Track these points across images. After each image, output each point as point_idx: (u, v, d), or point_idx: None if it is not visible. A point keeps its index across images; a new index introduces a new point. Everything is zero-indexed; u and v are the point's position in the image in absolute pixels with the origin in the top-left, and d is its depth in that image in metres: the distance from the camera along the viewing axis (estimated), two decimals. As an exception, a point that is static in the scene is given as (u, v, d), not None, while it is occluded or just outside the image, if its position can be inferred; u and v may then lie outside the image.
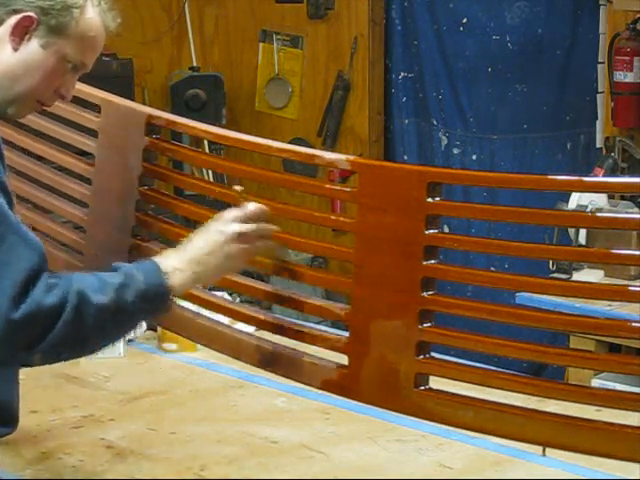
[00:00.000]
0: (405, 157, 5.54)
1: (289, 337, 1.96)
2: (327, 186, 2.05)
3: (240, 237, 1.85)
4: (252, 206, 1.89)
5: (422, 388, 1.79)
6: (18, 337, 1.66)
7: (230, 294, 2.62)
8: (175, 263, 1.81)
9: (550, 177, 1.68)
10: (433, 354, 1.80)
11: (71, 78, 1.88)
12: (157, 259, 1.82)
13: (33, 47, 1.82)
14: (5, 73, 1.82)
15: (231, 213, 1.87)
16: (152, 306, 1.79)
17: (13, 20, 1.81)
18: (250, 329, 2.08)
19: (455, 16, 5.27)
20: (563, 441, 1.66)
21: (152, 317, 1.84)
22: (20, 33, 1.81)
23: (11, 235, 1.70)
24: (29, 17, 1.80)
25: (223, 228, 1.85)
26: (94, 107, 2.23)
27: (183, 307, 2.13)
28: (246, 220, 1.87)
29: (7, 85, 1.83)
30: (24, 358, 1.72)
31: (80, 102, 2.26)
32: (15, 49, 1.82)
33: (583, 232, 3.84)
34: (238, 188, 1.93)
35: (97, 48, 1.89)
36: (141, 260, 1.84)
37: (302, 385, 2.00)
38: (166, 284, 1.79)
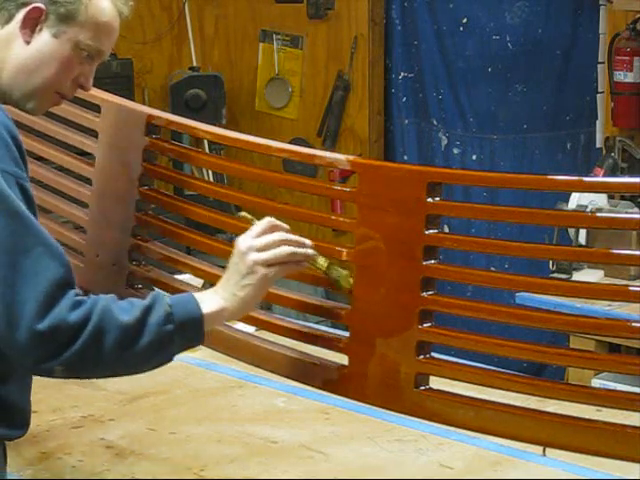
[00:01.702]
0: (405, 157, 5.53)
1: (289, 337, 1.96)
2: (327, 186, 2.05)
3: (261, 261, 1.78)
4: (260, 226, 1.81)
5: (422, 388, 1.79)
6: (40, 348, 1.65)
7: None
8: (210, 294, 1.78)
9: (550, 177, 1.68)
10: (433, 354, 1.80)
11: (89, 66, 1.87)
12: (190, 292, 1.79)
13: (45, 38, 1.81)
14: (20, 67, 1.81)
15: (245, 242, 1.79)
16: (181, 331, 1.72)
17: (22, 13, 1.80)
18: (250, 329, 2.08)
19: (455, 16, 5.27)
20: (563, 441, 1.66)
21: (185, 346, 1.76)
22: (30, 25, 1.80)
23: (38, 246, 1.69)
24: (38, 8, 1.80)
25: (242, 260, 1.78)
26: (94, 107, 2.23)
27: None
28: (260, 244, 1.79)
29: (23, 79, 1.82)
30: (44, 370, 1.70)
31: (80, 102, 2.26)
32: (27, 42, 1.81)
33: (583, 232, 3.84)
34: (242, 214, 1.89)
35: (111, 33, 1.88)
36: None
37: (302, 385, 2.00)
38: (198, 308, 1.74)
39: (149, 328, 1.70)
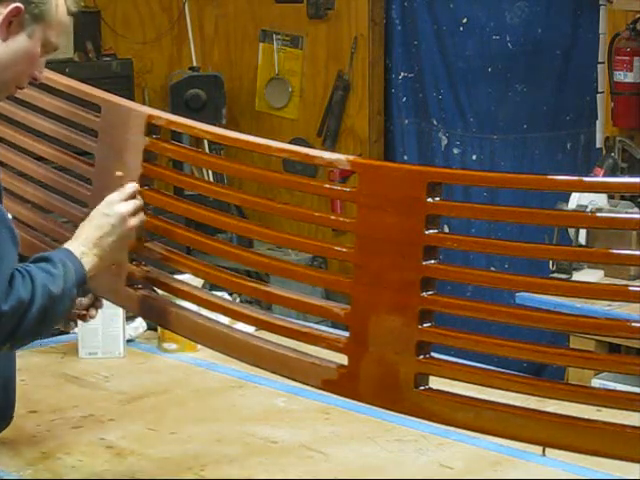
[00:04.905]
0: (405, 157, 5.54)
1: (289, 337, 1.96)
2: (327, 186, 2.04)
3: (125, 216, 2.01)
4: (128, 187, 2.05)
5: (422, 388, 1.79)
6: (4, 327, 1.77)
7: (230, 294, 2.62)
8: (82, 249, 1.95)
9: (550, 177, 1.68)
10: (433, 354, 1.80)
11: (43, 59, 1.94)
12: (68, 247, 1.95)
13: (20, 36, 1.87)
14: None
15: (113, 196, 2.03)
16: (78, 292, 1.94)
17: (3, 11, 1.84)
18: (250, 329, 2.08)
19: (455, 16, 5.27)
20: (563, 441, 1.66)
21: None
22: (8, 24, 1.85)
23: (3, 229, 1.80)
24: (17, 8, 1.84)
25: (110, 211, 2.01)
26: (94, 107, 2.23)
27: (183, 307, 2.13)
28: (126, 200, 2.03)
29: None
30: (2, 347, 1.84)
31: (80, 102, 2.26)
32: (4, 40, 1.85)
33: (583, 232, 3.84)
34: (119, 174, 2.10)
35: (67, 30, 1.97)
36: (57, 249, 1.97)
37: (302, 385, 2.00)
38: (85, 270, 1.94)
39: (68, 294, 1.89)
